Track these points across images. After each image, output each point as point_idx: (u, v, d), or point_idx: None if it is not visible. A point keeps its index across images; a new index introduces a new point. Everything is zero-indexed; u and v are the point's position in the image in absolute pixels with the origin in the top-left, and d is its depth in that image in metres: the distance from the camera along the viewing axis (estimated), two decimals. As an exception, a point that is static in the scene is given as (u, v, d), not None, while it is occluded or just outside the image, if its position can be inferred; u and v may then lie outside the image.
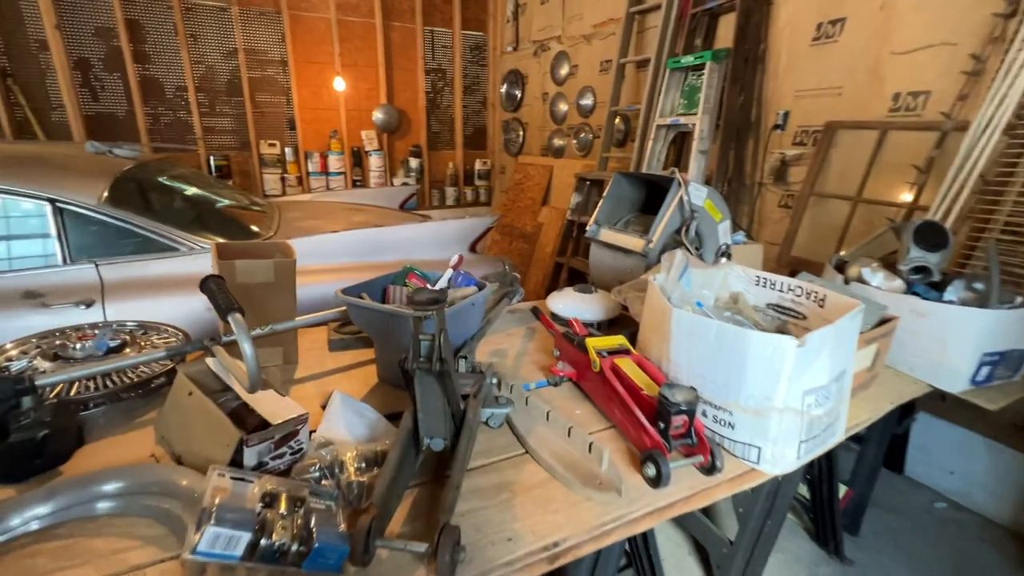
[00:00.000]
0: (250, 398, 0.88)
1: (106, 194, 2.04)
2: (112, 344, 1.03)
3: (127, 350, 1.08)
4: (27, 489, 0.78)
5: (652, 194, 1.77)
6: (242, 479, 0.71)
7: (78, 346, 1.00)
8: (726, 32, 2.69)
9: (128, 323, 1.19)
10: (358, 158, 4.84)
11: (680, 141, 2.94)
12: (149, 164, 2.63)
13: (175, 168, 3.04)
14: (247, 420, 0.86)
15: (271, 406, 0.87)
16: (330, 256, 2.40)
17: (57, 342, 1.02)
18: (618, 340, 1.12)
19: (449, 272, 1.29)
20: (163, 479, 0.74)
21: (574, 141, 4.08)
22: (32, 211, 1.93)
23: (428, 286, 1.21)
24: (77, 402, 0.90)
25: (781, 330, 1.17)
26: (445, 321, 0.77)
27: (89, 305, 1.94)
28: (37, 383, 0.87)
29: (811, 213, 2.43)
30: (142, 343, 1.11)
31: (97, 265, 2.01)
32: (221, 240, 2.24)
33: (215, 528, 0.58)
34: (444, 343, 0.75)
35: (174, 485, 0.73)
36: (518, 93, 4.80)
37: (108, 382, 0.98)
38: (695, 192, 1.50)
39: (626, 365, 1.02)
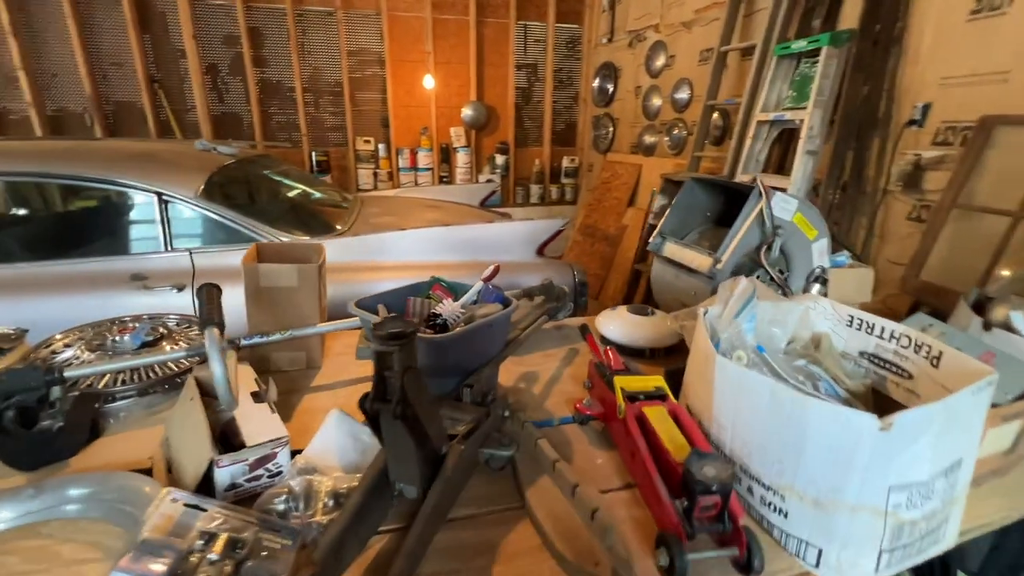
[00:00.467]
0: (240, 412, 0.86)
1: (202, 188, 2.22)
2: (147, 339, 1.07)
3: (163, 343, 1.12)
4: (37, 479, 0.82)
5: (732, 204, 1.52)
6: (196, 506, 0.67)
7: (116, 339, 1.05)
8: (852, 11, 2.27)
9: (172, 317, 1.24)
10: (446, 154, 4.93)
11: (786, 139, 2.56)
12: (247, 161, 2.84)
13: (274, 164, 3.29)
14: (235, 437, 0.83)
15: (256, 424, 0.83)
16: (396, 254, 2.42)
17: (102, 333, 1.09)
18: (654, 382, 0.94)
19: (479, 285, 1.18)
20: (126, 487, 0.73)
21: (666, 138, 3.77)
22: (142, 203, 2.15)
23: (449, 302, 1.12)
24: (102, 395, 0.94)
25: (877, 388, 0.91)
26: (415, 358, 0.67)
27: (181, 289, 2.13)
28: (66, 375, 0.92)
29: (952, 229, 1.97)
30: (178, 337, 1.15)
31: (191, 253, 2.20)
32: (300, 234, 2.36)
33: (122, 571, 0.54)
34: (411, 383, 0.65)
35: (136, 495, 0.72)
36: (610, 87, 4.56)
37: (136, 376, 1.02)
38: (781, 204, 1.25)
39: (656, 416, 0.85)
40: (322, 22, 4.35)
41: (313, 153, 4.54)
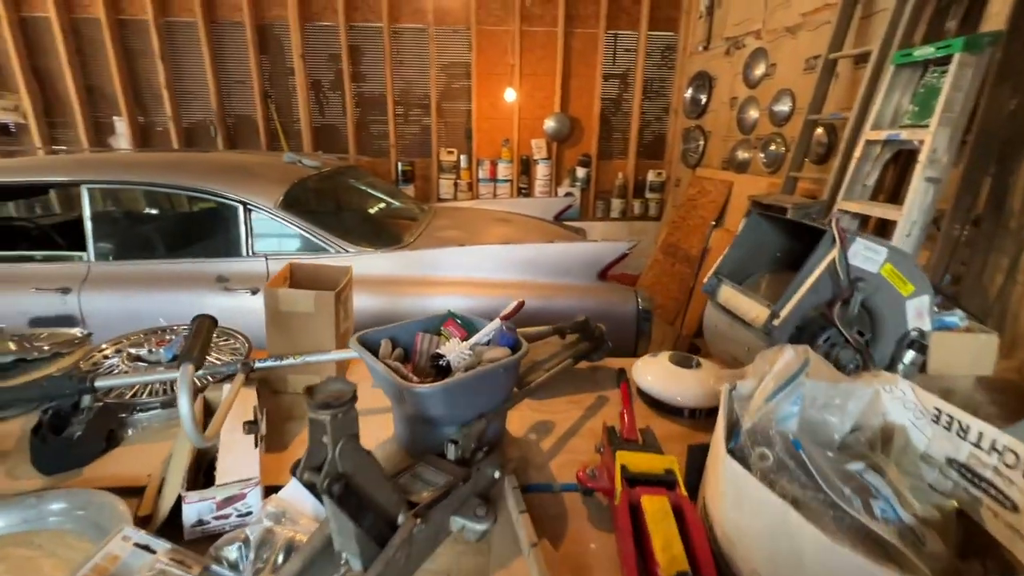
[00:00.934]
0: (225, 443, 0.86)
1: (280, 199, 2.38)
2: (178, 350, 1.13)
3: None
4: (53, 484, 0.88)
5: (811, 244, 1.29)
6: (146, 547, 0.67)
7: (152, 351, 1.13)
8: (1000, 7, 1.86)
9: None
10: (526, 166, 4.91)
11: (903, 162, 2.17)
12: (330, 173, 3.03)
13: (359, 175, 3.47)
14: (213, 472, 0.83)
15: (235, 459, 0.83)
16: (453, 270, 2.42)
17: (143, 342, 1.17)
18: (664, 463, 0.80)
19: (494, 324, 1.11)
20: (104, 506, 0.75)
21: (761, 155, 3.41)
22: (231, 211, 2.35)
23: (456, 341, 1.06)
24: (122, 407, 1.00)
25: (967, 512, 0.69)
26: (354, 426, 0.61)
27: (255, 292, 2.30)
28: (96, 384, 0.99)
29: None
30: (211, 351, 1.21)
31: (267, 259, 2.37)
32: (365, 245, 2.44)
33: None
34: (349, 454, 0.59)
35: (113, 514, 0.73)
36: (703, 98, 4.24)
37: (163, 390, 1.08)
38: (865, 253, 1.02)
39: (655, 510, 0.71)
40: (415, 38, 4.54)
41: (399, 163, 4.75)
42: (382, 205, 3.27)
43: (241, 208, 2.34)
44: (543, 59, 4.65)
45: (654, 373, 1.21)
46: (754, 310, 1.13)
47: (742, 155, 3.65)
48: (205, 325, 0.90)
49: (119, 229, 2.42)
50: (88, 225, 2.32)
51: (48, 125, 4.49)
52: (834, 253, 0.99)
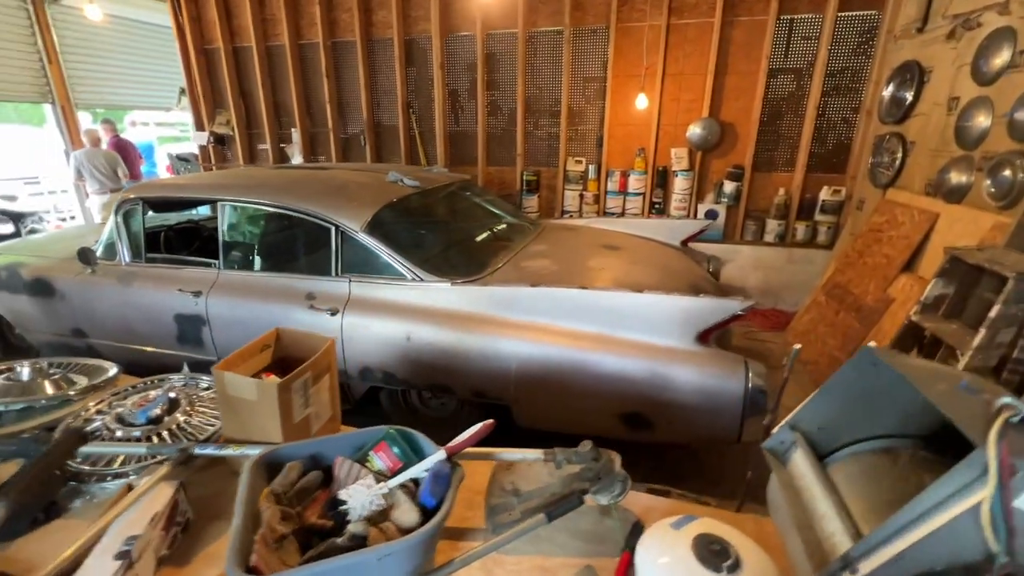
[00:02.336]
0: (89, 568, 0.77)
1: (367, 223, 2.41)
2: (152, 414, 1.12)
3: (175, 415, 1.16)
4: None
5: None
6: None
7: (131, 413, 1.13)
8: None
9: (203, 380, 1.29)
10: (663, 178, 4.35)
11: None
12: (432, 191, 3.00)
13: (468, 191, 3.41)
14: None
15: None
16: (522, 311, 2.19)
17: (134, 400, 1.19)
18: None
19: (437, 456, 0.85)
20: None
21: (987, 181, 2.41)
22: (324, 232, 2.45)
23: (367, 482, 0.83)
24: (64, 478, 1.00)
25: None
26: None
27: (334, 313, 2.37)
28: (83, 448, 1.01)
29: None
30: (190, 411, 1.18)
31: (351, 281, 2.42)
32: (437, 276, 2.33)
33: None
34: None
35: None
36: (908, 96, 3.19)
37: (137, 458, 1.07)
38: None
39: None
40: (550, 41, 4.31)
41: (524, 173, 4.61)
42: (485, 225, 3.15)
43: (333, 230, 2.42)
44: (692, 55, 4.03)
45: (660, 549, 0.83)
46: (830, 523, 0.67)
47: (957, 178, 2.65)
48: (44, 461, 0.82)
49: (241, 243, 2.70)
50: (220, 237, 2.64)
51: (248, 136, 5.40)
52: (984, 493, 0.51)
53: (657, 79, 4.11)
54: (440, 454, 0.86)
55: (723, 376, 1.93)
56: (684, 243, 3.45)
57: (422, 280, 2.34)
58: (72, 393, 1.22)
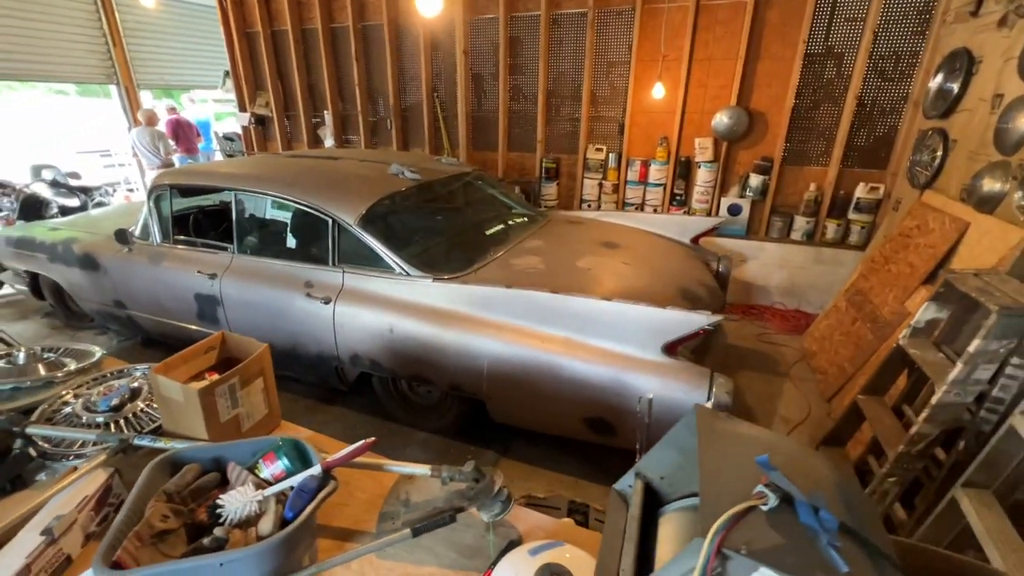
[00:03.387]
0: (15, 545, 0.93)
1: (361, 216, 2.51)
2: (113, 403, 1.28)
3: (136, 402, 1.32)
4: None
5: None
6: None
7: (96, 400, 1.30)
8: None
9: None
10: (685, 169, 4.19)
11: None
12: (433, 183, 3.06)
13: (476, 181, 3.44)
14: None
15: (3, 563, 0.89)
16: (498, 312, 2.24)
17: (99, 389, 1.35)
18: None
19: (313, 471, 0.94)
20: None
21: (1019, 192, 2.18)
22: (323, 224, 2.58)
23: (246, 489, 0.93)
24: (60, 454, 1.17)
25: None
26: None
27: (327, 302, 2.51)
28: (27, 431, 1.18)
29: None
30: (149, 400, 1.34)
31: (344, 272, 2.55)
32: (425, 271, 2.42)
33: None
34: None
35: None
36: (955, 88, 2.89)
37: (82, 443, 1.23)
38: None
39: None
40: (574, 23, 4.18)
41: (543, 160, 4.57)
42: (485, 219, 3.18)
43: (330, 222, 2.55)
44: (722, 39, 3.80)
45: None
46: (624, 574, 0.70)
47: (990, 185, 2.41)
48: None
49: (252, 230, 2.88)
50: (234, 224, 2.83)
51: (286, 118, 5.64)
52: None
53: (683, 64, 3.92)
54: (315, 469, 0.95)
55: (686, 389, 1.91)
56: (695, 240, 3.35)
57: (408, 275, 2.43)
58: (59, 376, 1.41)
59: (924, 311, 1.86)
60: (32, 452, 1.18)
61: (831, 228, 3.91)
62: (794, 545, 0.55)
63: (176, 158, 6.10)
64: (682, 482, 0.82)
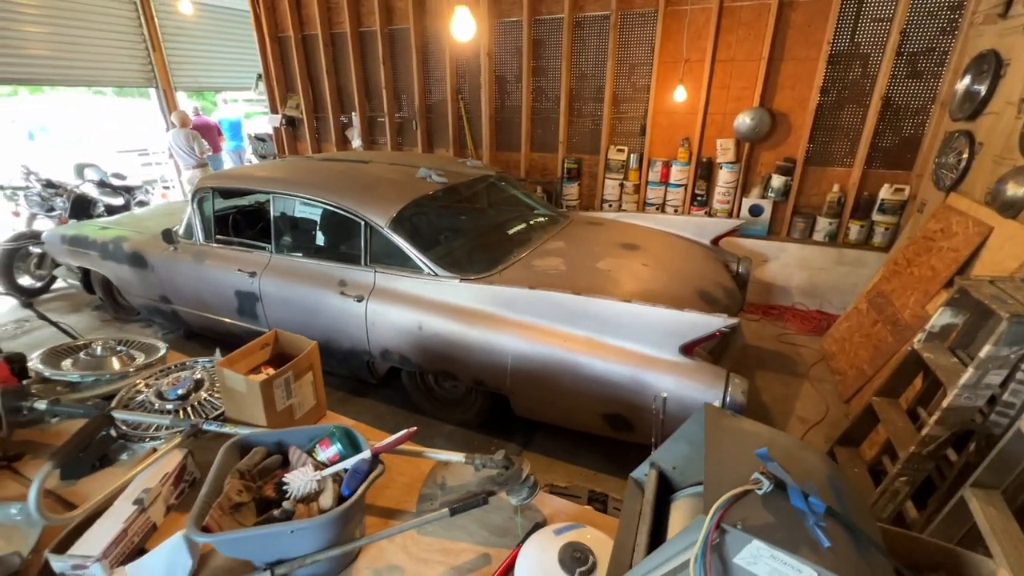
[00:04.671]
0: (115, 511, 1.08)
1: (393, 217, 2.65)
2: (181, 392, 1.44)
3: (200, 392, 1.48)
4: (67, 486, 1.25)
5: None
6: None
7: (166, 389, 1.45)
8: None
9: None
10: (707, 170, 4.22)
11: None
12: (460, 186, 3.17)
13: (500, 183, 3.55)
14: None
15: (102, 528, 1.04)
16: (521, 312, 2.35)
17: (167, 380, 1.51)
18: None
19: (364, 455, 1.07)
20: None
21: (1042, 197, 2.19)
22: (356, 226, 2.72)
23: (305, 470, 1.06)
24: (139, 436, 1.33)
25: None
26: None
27: (360, 300, 2.66)
28: (113, 415, 1.34)
29: None
30: (214, 388, 1.49)
31: (376, 271, 2.70)
32: (452, 271, 2.54)
33: None
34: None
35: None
36: (982, 90, 2.87)
37: (157, 427, 1.39)
38: (773, 562, 0.62)
39: None
40: (597, 26, 4.24)
41: (565, 161, 4.65)
42: (509, 221, 3.29)
43: (363, 224, 2.69)
44: (745, 40, 3.81)
45: (531, 570, 1.00)
46: (639, 551, 0.81)
47: (1014, 190, 2.41)
48: (88, 430, 1.11)
49: (288, 231, 3.05)
50: (272, 225, 3.00)
51: (315, 119, 5.83)
52: (696, 549, 0.63)
53: (706, 65, 3.95)
54: (365, 453, 1.08)
55: (701, 388, 1.99)
56: (714, 242, 3.39)
57: (436, 275, 2.56)
58: (131, 368, 1.58)
59: (939, 316, 1.90)
60: (114, 434, 1.33)
61: (854, 229, 3.90)
62: (784, 523, 0.65)
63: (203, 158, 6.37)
64: (692, 471, 0.92)
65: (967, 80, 3.05)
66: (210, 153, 6.50)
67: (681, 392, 2.01)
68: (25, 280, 4.50)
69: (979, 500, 1.55)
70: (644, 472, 0.98)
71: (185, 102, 7.55)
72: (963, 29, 3.26)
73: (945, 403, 1.66)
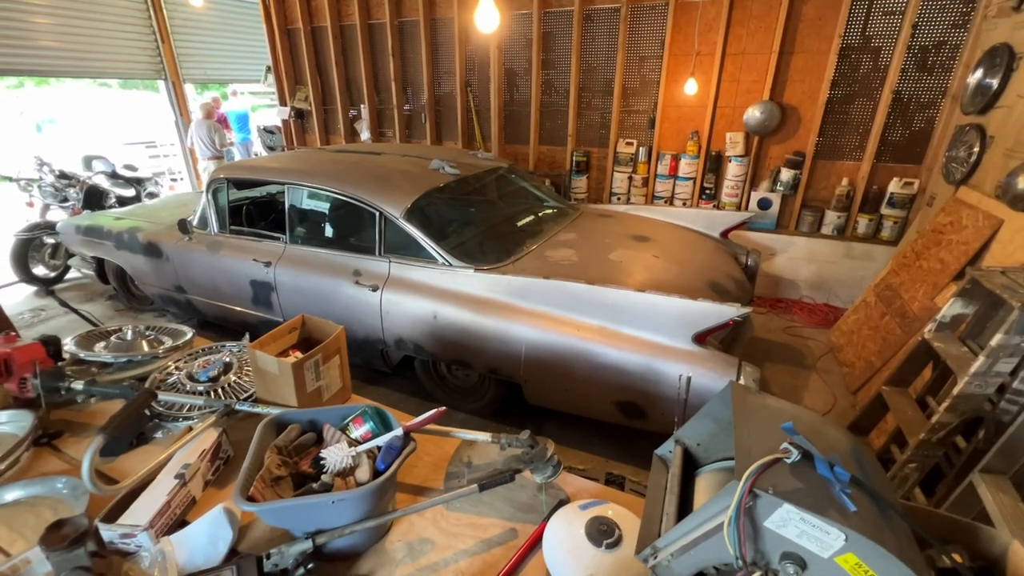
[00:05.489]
0: (154, 485, 1.12)
1: (407, 208, 2.68)
2: (212, 375, 1.48)
3: (229, 375, 1.52)
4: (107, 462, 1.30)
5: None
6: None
7: (197, 371, 1.50)
8: None
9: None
10: (716, 163, 4.24)
11: None
12: (471, 178, 3.20)
13: (510, 175, 3.58)
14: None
15: (146, 501, 1.08)
16: (534, 301, 2.39)
17: (198, 363, 1.56)
18: None
19: (396, 432, 1.11)
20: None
21: (1053, 190, 2.21)
22: (370, 216, 2.76)
23: (341, 446, 1.10)
24: (171, 416, 1.38)
25: None
26: (84, 559, 0.74)
27: (375, 289, 2.70)
28: (157, 394, 1.39)
29: None
30: (242, 371, 1.53)
31: (390, 261, 2.73)
32: (465, 261, 2.57)
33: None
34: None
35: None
36: (994, 84, 2.88)
37: (190, 407, 1.44)
38: (803, 525, 0.66)
39: None
40: (607, 19, 4.24)
41: (574, 154, 4.67)
42: (520, 212, 3.32)
43: (378, 215, 2.72)
44: (756, 33, 3.82)
45: (559, 542, 1.04)
46: (668, 520, 0.85)
47: (1025, 184, 2.43)
48: (134, 406, 1.16)
49: (303, 221, 3.09)
50: (286, 215, 3.04)
51: (324, 111, 5.86)
52: (730, 512, 0.67)
53: (716, 59, 3.96)
54: (398, 431, 1.12)
55: (714, 376, 2.03)
56: (724, 234, 3.42)
57: (450, 265, 2.60)
58: (160, 351, 1.62)
59: (950, 306, 1.93)
60: (148, 413, 1.38)
61: (863, 223, 3.92)
62: (812, 490, 0.68)
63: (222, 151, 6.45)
64: (716, 448, 0.96)
65: (979, 74, 3.05)
66: (231, 146, 6.61)
67: (694, 380, 2.05)
68: (40, 270, 4.56)
69: (988, 485, 1.58)
70: (669, 450, 1.02)
71: (193, 95, 7.58)
72: (975, 22, 3.26)
73: (956, 391, 1.70)
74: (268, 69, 5.94)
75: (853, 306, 3.63)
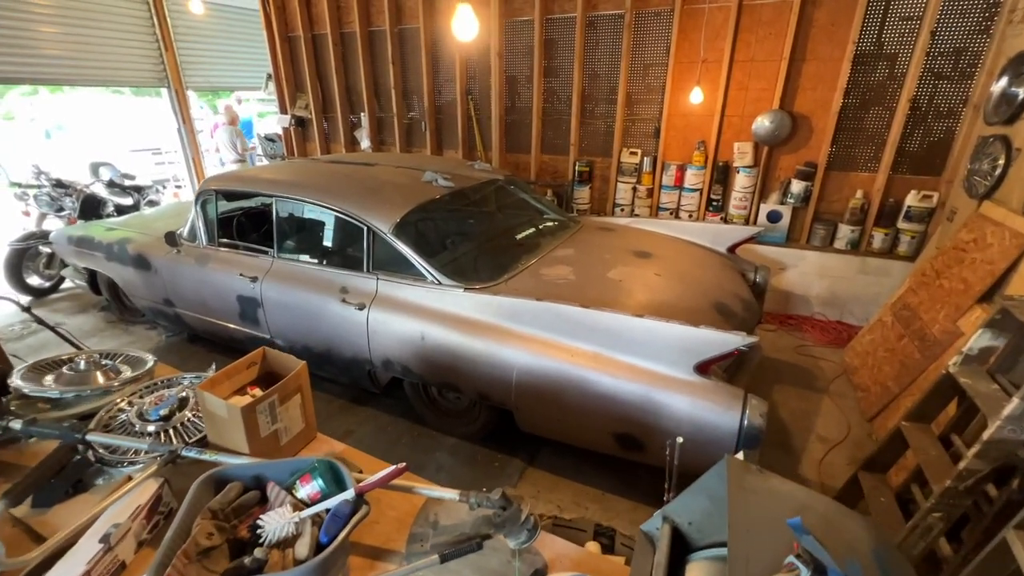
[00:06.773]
0: (77, 552, 0.99)
1: (396, 223, 2.56)
2: (163, 412, 1.36)
3: (184, 412, 1.40)
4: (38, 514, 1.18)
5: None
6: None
7: (148, 409, 1.38)
8: None
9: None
10: (723, 174, 4.08)
11: None
12: (467, 190, 3.07)
13: (509, 187, 3.45)
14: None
15: (63, 570, 0.96)
16: (526, 324, 2.25)
17: (151, 399, 1.43)
18: None
19: (346, 495, 0.97)
20: None
21: (1090, 208, 2.03)
22: (359, 231, 2.64)
23: (285, 510, 0.97)
24: (114, 460, 1.25)
25: None
26: None
27: (362, 308, 2.58)
28: (87, 438, 1.27)
29: None
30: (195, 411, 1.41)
31: (378, 278, 2.61)
32: (456, 279, 2.44)
33: None
34: None
35: None
36: (1020, 92, 2.71)
37: (136, 451, 1.31)
38: None
39: None
40: (610, 25, 4.12)
41: (577, 163, 4.53)
42: (516, 226, 3.18)
43: (366, 230, 2.60)
44: (766, 40, 3.67)
45: None
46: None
47: (1058, 201, 2.25)
48: (52, 461, 1.03)
49: (291, 235, 2.98)
50: (274, 229, 2.93)
51: (324, 119, 5.78)
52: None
53: (724, 66, 3.81)
54: (348, 493, 0.98)
55: (718, 410, 1.87)
56: (731, 249, 3.26)
57: (440, 283, 2.47)
58: (116, 383, 1.51)
59: (978, 338, 1.76)
60: (91, 458, 1.26)
61: (878, 237, 3.73)
62: (826, 622, 0.54)
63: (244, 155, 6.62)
64: (711, 529, 0.81)
65: (1003, 82, 2.88)
66: (252, 151, 6.67)
67: (696, 414, 1.89)
68: (34, 280, 4.50)
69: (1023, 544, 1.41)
70: (656, 526, 0.87)
71: (196, 101, 7.57)
72: (999, 28, 3.08)
73: (986, 435, 1.53)
74: (269, 76, 5.89)
75: (868, 325, 3.45)
